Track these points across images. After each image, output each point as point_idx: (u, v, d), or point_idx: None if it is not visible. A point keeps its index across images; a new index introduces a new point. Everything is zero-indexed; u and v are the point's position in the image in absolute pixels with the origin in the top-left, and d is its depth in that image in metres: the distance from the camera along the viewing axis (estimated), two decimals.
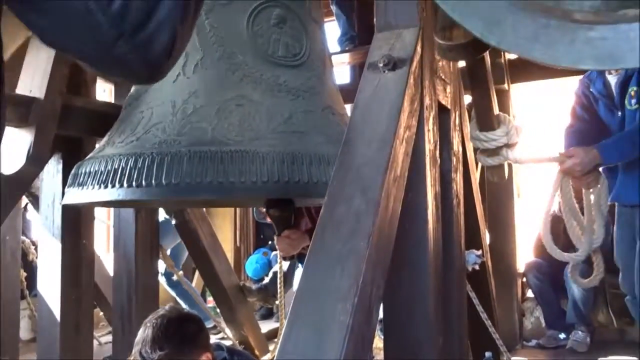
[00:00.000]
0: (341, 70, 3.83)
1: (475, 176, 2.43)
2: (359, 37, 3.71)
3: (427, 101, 1.39)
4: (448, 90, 1.63)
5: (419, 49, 1.37)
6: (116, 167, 1.42)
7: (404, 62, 1.31)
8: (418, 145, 1.30)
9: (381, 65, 1.30)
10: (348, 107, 3.60)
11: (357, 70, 3.78)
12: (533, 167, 3.50)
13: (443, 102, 1.55)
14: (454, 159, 1.64)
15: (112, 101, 2.40)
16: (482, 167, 3.50)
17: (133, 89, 1.74)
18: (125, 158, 1.42)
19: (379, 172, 1.06)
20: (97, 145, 1.76)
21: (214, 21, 1.60)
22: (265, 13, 1.64)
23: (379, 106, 1.22)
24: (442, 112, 1.54)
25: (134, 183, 1.38)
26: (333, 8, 3.80)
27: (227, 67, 1.56)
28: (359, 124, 1.21)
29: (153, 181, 1.36)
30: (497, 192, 3.64)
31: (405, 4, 1.41)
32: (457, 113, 1.73)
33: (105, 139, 1.67)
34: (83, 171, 1.53)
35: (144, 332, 1.49)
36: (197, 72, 1.56)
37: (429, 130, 1.37)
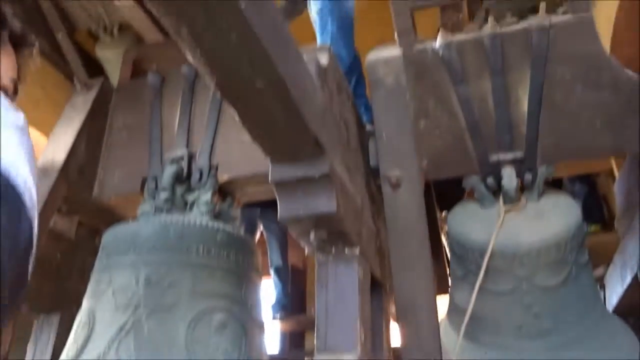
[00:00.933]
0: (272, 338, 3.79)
1: None
2: (291, 305, 3.77)
3: None
4: None
5: None
6: None
7: None
8: None
9: None
10: None
11: (287, 338, 3.75)
12: None
13: None
14: None
15: None
16: None
17: None
18: None
19: None
20: None
21: (153, 327, 1.58)
22: (207, 319, 1.65)
23: None
24: None
25: None
26: (271, 273, 3.91)
27: None
28: None
29: None
30: None
31: (345, 332, 1.46)
32: None
33: None
34: None
35: None
36: None
37: None
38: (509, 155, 1.75)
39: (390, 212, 1.71)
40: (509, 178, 1.70)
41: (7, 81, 0.86)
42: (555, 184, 2.91)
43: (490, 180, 1.76)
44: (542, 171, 1.71)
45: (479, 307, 1.60)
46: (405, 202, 1.70)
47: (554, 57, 1.78)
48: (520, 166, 1.74)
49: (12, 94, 0.88)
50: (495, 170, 1.76)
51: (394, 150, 1.79)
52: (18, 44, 0.91)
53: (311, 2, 2.29)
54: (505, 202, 1.70)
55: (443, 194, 2.85)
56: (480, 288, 1.55)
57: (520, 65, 1.81)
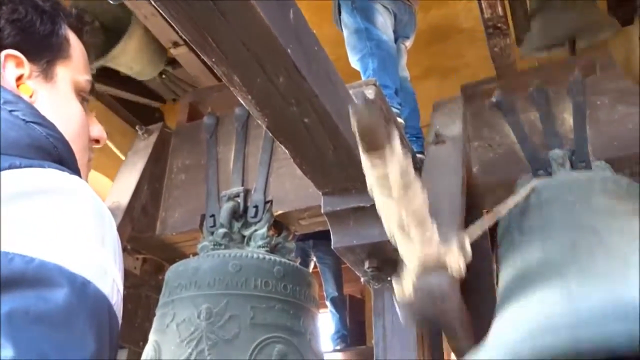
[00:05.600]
0: None
1: None
2: (350, 336, 3.76)
3: None
4: None
5: None
6: None
7: None
8: None
9: None
10: None
11: None
12: None
13: None
14: None
15: None
16: None
17: None
18: None
19: None
20: None
21: (215, 356, 1.63)
22: (268, 349, 1.69)
23: None
24: None
25: None
26: (328, 304, 3.92)
27: None
28: None
29: None
30: None
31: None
32: None
33: None
34: None
35: None
36: None
37: None
38: (558, 151, 1.79)
39: (430, 163, 1.78)
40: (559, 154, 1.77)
41: (84, 84, 0.77)
42: None
43: (541, 172, 1.77)
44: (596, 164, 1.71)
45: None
46: (448, 155, 1.77)
47: (591, 93, 1.93)
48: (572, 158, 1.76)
49: (89, 93, 0.79)
50: (545, 165, 1.77)
51: (443, 122, 1.93)
52: (77, 28, 0.79)
53: (351, 55, 2.37)
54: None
55: None
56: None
57: (563, 101, 1.96)
